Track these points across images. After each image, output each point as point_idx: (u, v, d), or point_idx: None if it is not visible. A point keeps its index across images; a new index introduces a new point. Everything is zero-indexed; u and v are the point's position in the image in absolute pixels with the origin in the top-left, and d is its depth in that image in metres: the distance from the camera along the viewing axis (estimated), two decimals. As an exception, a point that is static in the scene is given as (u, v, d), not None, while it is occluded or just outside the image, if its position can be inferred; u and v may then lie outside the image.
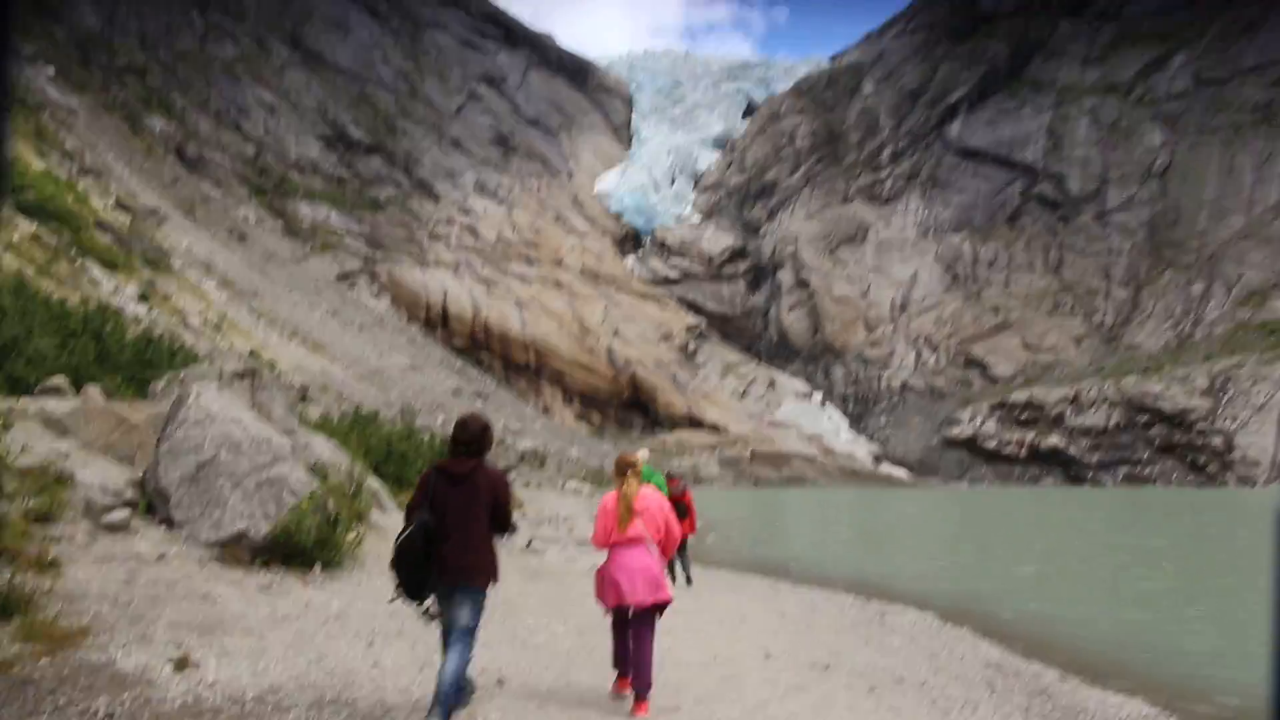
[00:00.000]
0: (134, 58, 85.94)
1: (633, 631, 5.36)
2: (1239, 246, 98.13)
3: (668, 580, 5.59)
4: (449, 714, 4.56)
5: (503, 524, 4.88)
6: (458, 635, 4.73)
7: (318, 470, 10.32)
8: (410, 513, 4.84)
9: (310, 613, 6.50)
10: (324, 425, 19.51)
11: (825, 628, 9.23)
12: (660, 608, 5.43)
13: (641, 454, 9.51)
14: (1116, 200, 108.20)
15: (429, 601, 4.84)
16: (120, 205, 52.02)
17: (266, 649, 5.40)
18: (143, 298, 39.98)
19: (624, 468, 5.60)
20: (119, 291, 39.08)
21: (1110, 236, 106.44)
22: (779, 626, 8.91)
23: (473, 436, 4.84)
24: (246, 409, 8.76)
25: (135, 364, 15.98)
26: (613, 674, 5.69)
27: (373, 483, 13.22)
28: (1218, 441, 76.63)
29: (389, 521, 11.31)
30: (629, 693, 5.40)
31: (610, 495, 5.57)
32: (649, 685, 5.31)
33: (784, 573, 15.54)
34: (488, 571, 4.79)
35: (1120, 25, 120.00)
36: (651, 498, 5.55)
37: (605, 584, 5.38)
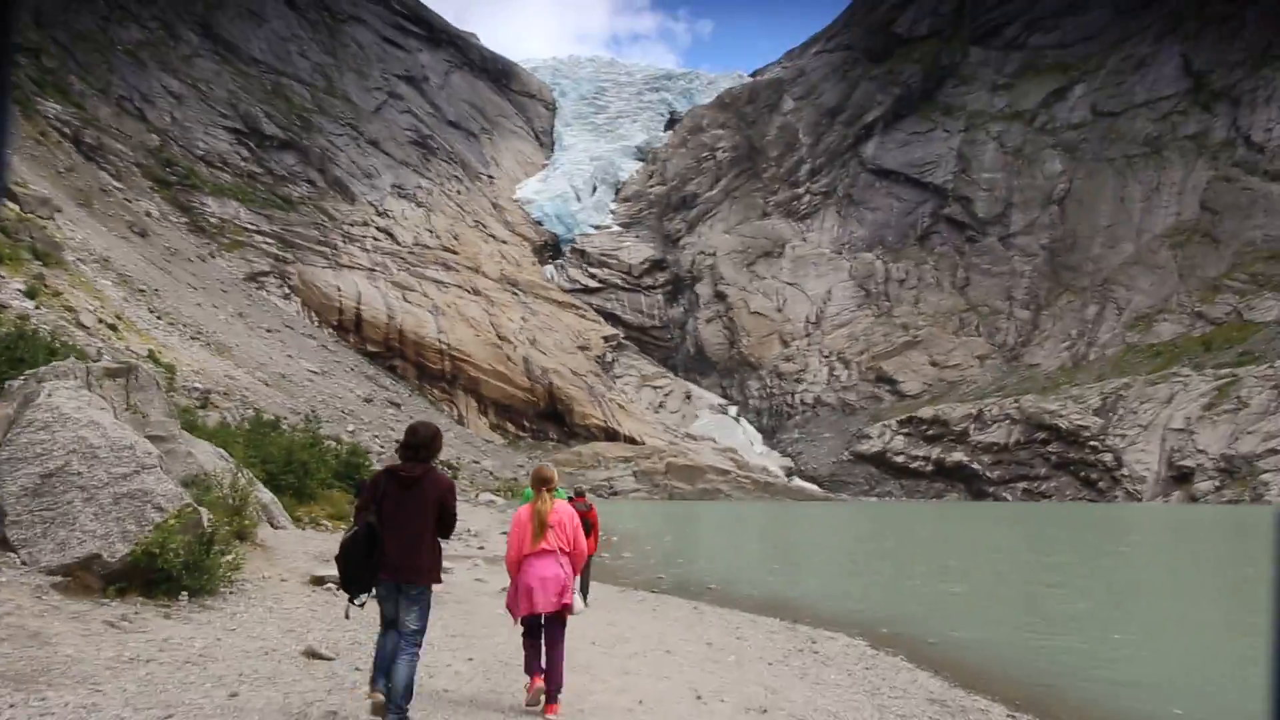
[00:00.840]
0: (27, 36, 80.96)
1: (545, 637, 5.62)
2: (1129, 272, 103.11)
3: (574, 592, 5.78)
4: (404, 715, 4.86)
5: (447, 528, 5.18)
6: (406, 640, 4.96)
7: (199, 482, 9.30)
8: (358, 513, 5.06)
9: (166, 653, 5.48)
10: (218, 432, 18.12)
11: (756, 659, 8.64)
12: (563, 614, 5.69)
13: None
14: (1019, 224, 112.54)
15: (365, 598, 5.01)
16: (7, 194, 48.61)
17: (99, 704, 4.43)
18: (30, 293, 37.45)
19: (540, 483, 5.79)
20: (3, 286, 36.38)
21: (1013, 259, 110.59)
22: (706, 659, 8.26)
23: (422, 441, 5.14)
24: (110, 410, 7.69)
25: (3, 362, 14.50)
26: (526, 679, 5.78)
27: (264, 495, 12.14)
28: (1108, 458, 79.96)
29: (281, 540, 10.22)
30: (542, 684, 5.61)
31: (524, 509, 5.76)
32: (560, 687, 5.65)
33: (704, 593, 15.00)
34: (431, 572, 5.07)
35: (1026, 55, 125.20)
36: (564, 512, 5.77)
37: (519, 593, 5.56)
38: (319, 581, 8.67)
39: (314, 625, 7.06)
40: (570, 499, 11.34)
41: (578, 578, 5.90)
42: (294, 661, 5.86)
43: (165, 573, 6.60)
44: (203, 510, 7.67)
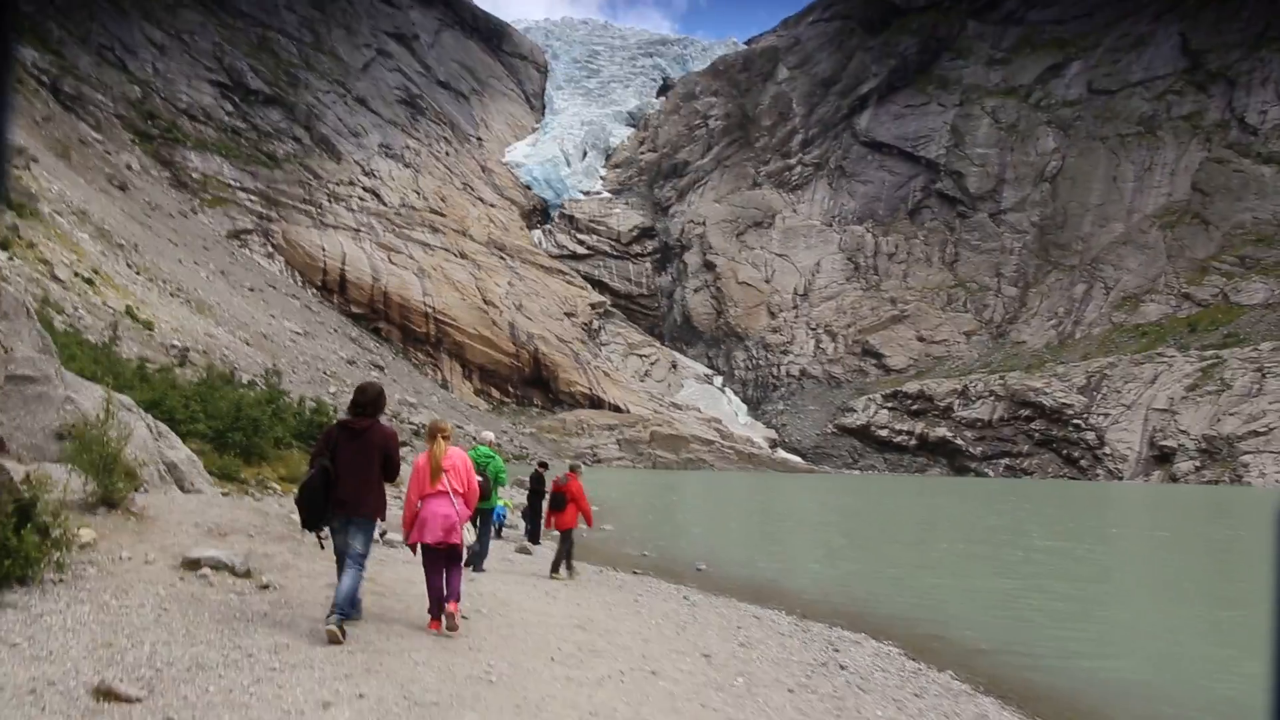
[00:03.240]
0: (2, -19, 78.64)
1: (438, 567, 6.35)
2: (1118, 252, 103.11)
3: (465, 530, 6.49)
4: (343, 620, 5.55)
5: (391, 473, 6.07)
6: (352, 560, 5.82)
7: (77, 433, 7.68)
8: (314, 459, 5.94)
9: None
10: (149, 379, 17.24)
11: (771, 681, 7.08)
12: (454, 550, 6.39)
13: (486, 435, 11.51)
14: (1011, 200, 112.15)
15: (324, 533, 5.95)
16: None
17: None
18: (2, 244, 36.52)
19: (435, 432, 6.53)
20: (-28, 237, 35.48)
21: (1003, 235, 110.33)
22: (705, 683, 6.57)
23: (369, 399, 6.04)
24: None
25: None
26: (427, 618, 6.41)
27: (177, 453, 10.98)
28: (1091, 437, 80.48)
29: (174, 508, 8.06)
30: (440, 631, 6.22)
31: (422, 455, 6.48)
32: (457, 593, 6.53)
33: (693, 575, 14.56)
34: (377, 508, 5.98)
35: (1024, 30, 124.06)
36: (457, 456, 6.50)
37: (415, 525, 6.31)
38: (193, 565, 6.49)
39: (149, 636, 4.80)
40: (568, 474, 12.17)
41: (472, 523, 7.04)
42: (69, 708, 3.72)
43: None
44: (43, 469, 6.06)
